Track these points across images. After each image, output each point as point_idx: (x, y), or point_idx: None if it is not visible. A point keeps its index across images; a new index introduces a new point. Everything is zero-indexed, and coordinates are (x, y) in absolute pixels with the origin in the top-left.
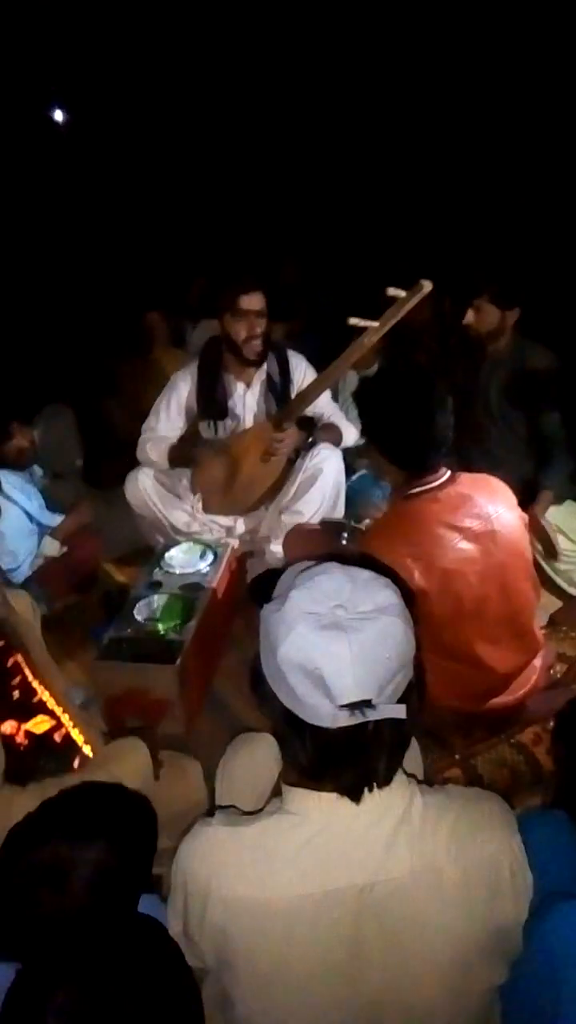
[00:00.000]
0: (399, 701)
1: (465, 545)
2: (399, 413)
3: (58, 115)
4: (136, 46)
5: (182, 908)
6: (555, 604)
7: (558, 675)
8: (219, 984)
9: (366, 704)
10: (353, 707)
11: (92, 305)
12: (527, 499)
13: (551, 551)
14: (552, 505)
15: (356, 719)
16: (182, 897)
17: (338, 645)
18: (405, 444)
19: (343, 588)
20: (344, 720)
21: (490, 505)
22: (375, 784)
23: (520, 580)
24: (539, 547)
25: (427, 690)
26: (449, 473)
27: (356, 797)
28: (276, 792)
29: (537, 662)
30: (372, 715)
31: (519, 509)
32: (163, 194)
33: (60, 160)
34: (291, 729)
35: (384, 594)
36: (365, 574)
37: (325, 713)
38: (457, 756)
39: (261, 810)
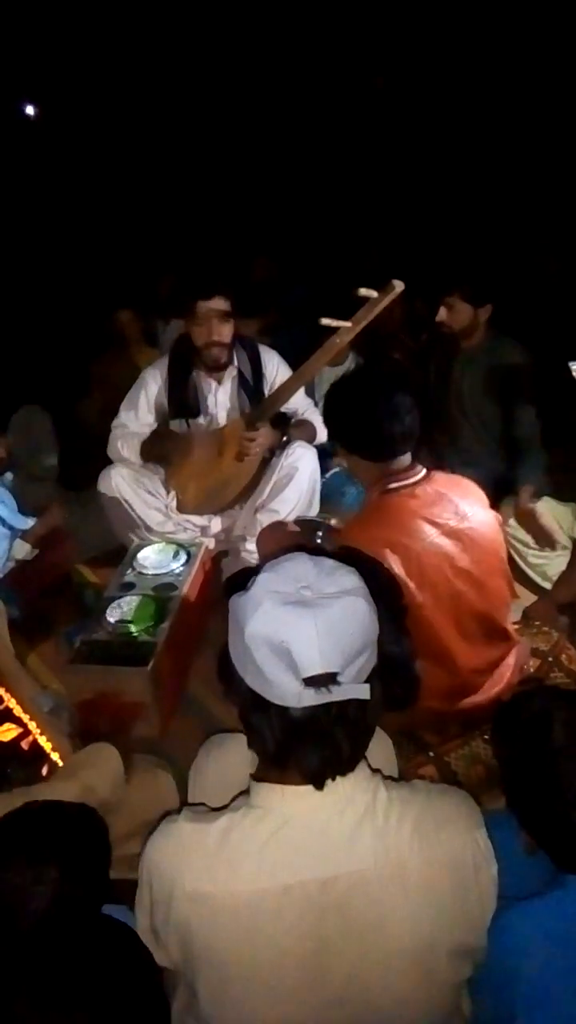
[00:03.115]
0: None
1: (442, 540)
2: (353, 401)
3: (25, 112)
4: (101, 47)
5: (148, 904)
6: (529, 599)
7: (531, 671)
8: (186, 983)
9: (331, 680)
10: (318, 683)
11: (63, 304)
12: (499, 495)
13: (548, 540)
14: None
15: (322, 697)
16: (148, 893)
17: (304, 619)
18: (365, 431)
19: (308, 572)
20: (310, 699)
21: (465, 503)
22: (339, 771)
23: (495, 577)
24: (529, 542)
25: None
26: (425, 471)
27: (320, 783)
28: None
29: (511, 659)
30: (337, 693)
31: (492, 510)
32: (134, 191)
33: (25, 160)
34: (257, 712)
35: (348, 578)
36: (330, 562)
37: (291, 691)
38: (431, 753)
39: (227, 805)
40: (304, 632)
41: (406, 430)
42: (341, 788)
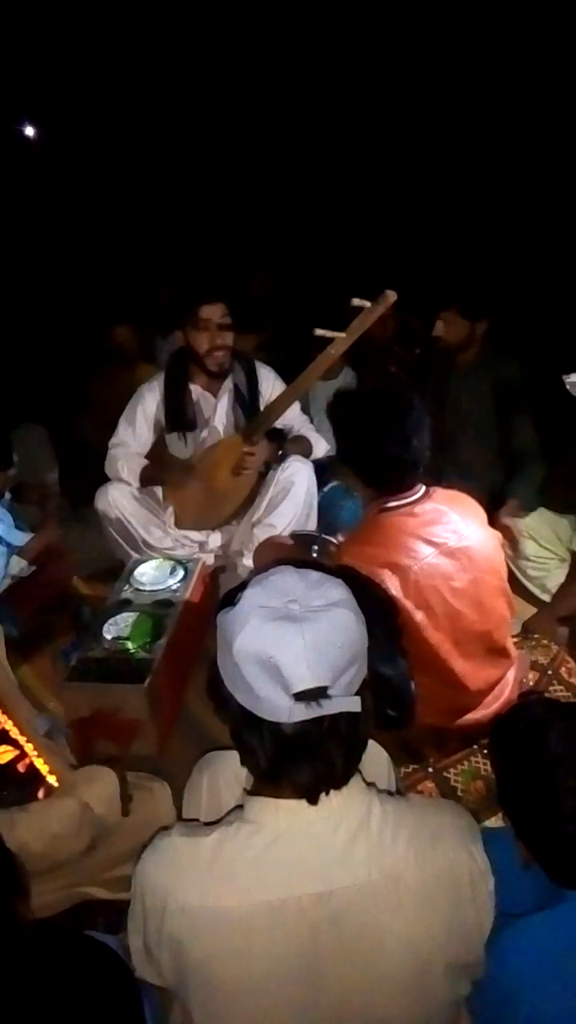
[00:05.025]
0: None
1: (439, 560)
2: (376, 437)
3: (21, 128)
4: (98, 65)
5: (141, 918)
6: (528, 611)
7: (531, 684)
8: (179, 1002)
9: (321, 694)
10: (308, 698)
11: (60, 320)
12: (497, 508)
13: (517, 552)
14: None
15: (312, 711)
16: (141, 909)
17: (291, 633)
18: (381, 468)
19: (296, 585)
20: (300, 714)
21: (464, 522)
22: (332, 785)
23: (494, 597)
24: (529, 555)
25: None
26: (424, 488)
27: (313, 798)
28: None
29: (510, 674)
30: (327, 706)
31: (491, 528)
32: (130, 207)
33: (21, 178)
34: (248, 729)
35: (335, 590)
36: (316, 574)
37: (281, 707)
38: (430, 769)
39: (222, 819)
40: (292, 647)
41: (412, 469)
42: (335, 802)
